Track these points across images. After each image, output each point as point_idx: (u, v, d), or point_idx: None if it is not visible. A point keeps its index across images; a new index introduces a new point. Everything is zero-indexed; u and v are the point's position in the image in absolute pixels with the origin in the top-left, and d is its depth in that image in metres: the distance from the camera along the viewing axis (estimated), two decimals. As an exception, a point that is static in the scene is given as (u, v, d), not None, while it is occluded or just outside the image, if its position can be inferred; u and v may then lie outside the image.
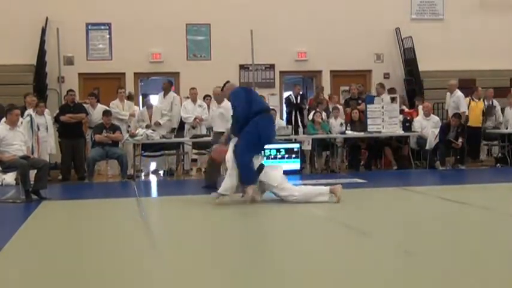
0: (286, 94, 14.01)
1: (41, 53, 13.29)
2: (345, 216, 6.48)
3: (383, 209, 7.07)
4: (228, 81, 7.98)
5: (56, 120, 11.13)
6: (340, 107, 12.60)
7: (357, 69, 14.86)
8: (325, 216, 6.49)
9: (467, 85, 13.27)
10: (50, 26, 13.59)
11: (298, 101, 12.63)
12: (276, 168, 7.32)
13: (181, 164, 11.55)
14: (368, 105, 11.94)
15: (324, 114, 12.07)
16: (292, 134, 11.67)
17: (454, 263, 4.34)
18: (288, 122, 12.63)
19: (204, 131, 11.88)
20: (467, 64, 14.52)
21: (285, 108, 12.58)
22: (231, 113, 7.69)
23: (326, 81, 14.84)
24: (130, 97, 12.51)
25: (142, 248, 5.03)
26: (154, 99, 12.89)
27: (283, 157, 11.09)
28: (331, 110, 12.55)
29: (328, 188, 7.16)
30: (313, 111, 11.97)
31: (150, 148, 11.06)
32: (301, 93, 13.02)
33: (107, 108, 11.43)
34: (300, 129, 12.28)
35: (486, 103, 12.99)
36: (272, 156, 11.07)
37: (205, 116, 11.90)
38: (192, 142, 11.48)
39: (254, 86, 13.87)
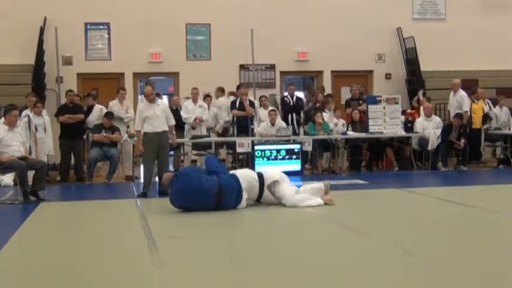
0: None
1: (39, 53, 13.26)
2: (346, 217, 6.47)
3: (384, 211, 7.06)
4: None
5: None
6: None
7: (358, 69, 14.84)
8: (325, 217, 6.49)
9: (470, 86, 13.26)
10: (48, 25, 13.57)
11: (294, 101, 12.59)
12: (272, 169, 7.37)
13: (181, 165, 11.54)
14: (369, 106, 11.92)
15: (326, 114, 12.07)
16: (292, 134, 11.67)
17: (455, 265, 4.33)
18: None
19: (204, 132, 11.88)
20: (469, 64, 14.49)
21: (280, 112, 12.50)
22: None
23: (327, 82, 14.82)
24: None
25: (142, 250, 5.01)
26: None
27: (283, 158, 11.08)
28: (332, 111, 12.55)
29: (323, 186, 7.19)
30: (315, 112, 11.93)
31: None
32: (297, 94, 12.96)
33: (103, 108, 11.46)
34: (301, 131, 12.24)
35: (489, 106, 12.98)
36: (272, 158, 11.07)
37: (206, 117, 11.91)
38: (191, 143, 11.48)
39: (254, 86, 13.87)
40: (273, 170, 7.29)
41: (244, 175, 7.03)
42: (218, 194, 6.76)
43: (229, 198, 6.84)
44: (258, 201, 7.13)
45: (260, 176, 7.04)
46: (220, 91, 12.81)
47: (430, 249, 4.82)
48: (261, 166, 10.81)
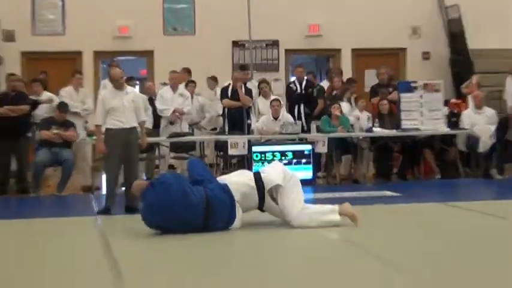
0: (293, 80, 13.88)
1: (-28, 25, 13.24)
2: (369, 241, 6.34)
3: (421, 233, 6.92)
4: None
5: None
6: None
7: (387, 46, 14.83)
8: (344, 241, 6.41)
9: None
10: (-17, -10, 13.53)
11: (303, 88, 12.48)
12: (275, 165, 7.25)
13: (155, 172, 11.45)
14: (402, 94, 11.85)
15: (346, 105, 11.99)
16: (302, 131, 11.59)
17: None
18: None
19: (185, 128, 11.79)
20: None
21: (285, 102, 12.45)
22: None
23: (347, 63, 14.75)
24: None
25: (104, 280, 4.97)
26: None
27: (290, 163, 11.01)
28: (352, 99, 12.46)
29: (336, 206, 7.01)
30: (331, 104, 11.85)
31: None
32: (307, 77, 12.86)
33: (55, 97, 11.44)
34: (312, 127, 12.16)
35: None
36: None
37: (188, 109, 11.81)
38: (169, 143, 11.37)
39: (252, 68, 13.77)
40: (274, 169, 7.04)
41: (236, 182, 6.88)
42: (206, 210, 6.64)
43: (219, 215, 6.73)
44: (261, 209, 7.01)
45: (258, 177, 6.90)
46: (186, 72, 12.69)
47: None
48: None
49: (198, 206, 6.62)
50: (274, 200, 6.89)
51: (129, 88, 9.06)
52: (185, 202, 6.60)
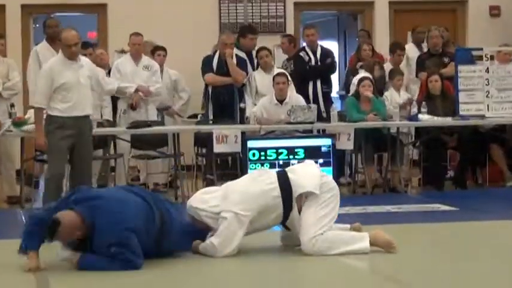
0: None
1: None
2: (412, 276, 6.39)
3: (487, 265, 6.96)
4: None
5: None
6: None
7: (439, -1, 14.92)
8: (375, 275, 6.47)
9: None
10: None
11: (318, 59, 12.52)
12: (310, 165, 7.39)
13: (110, 177, 11.48)
14: (460, 67, 11.86)
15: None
16: (318, 119, 11.64)
17: None
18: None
19: (153, 115, 11.85)
20: None
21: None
22: None
23: (382, 21, 14.78)
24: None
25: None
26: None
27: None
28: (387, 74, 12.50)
29: (365, 233, 7.09)
30: (359, 79, 11.91)
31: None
32: (320, 44, 12.90)
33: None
34: (333, 114, 12.20)
35: None
36: (280, 163, 10.97)
37: (157, 87, 11.82)
38: (130, 135, 11.44)
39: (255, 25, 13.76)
40: (309, 169, 7.13)
41: (247, 192, 6.90)
42: (161, 227, 6.68)
43: (173, 238, 6.81)
44: (284, 225, 7.09)
45: (283, 179, 6.94)
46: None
47: None
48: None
49: (154, 216, 6.65)
50: (300, 212, 6.95)
51: (83, 59, 9.08)
52: (142, 210, 6.60)
